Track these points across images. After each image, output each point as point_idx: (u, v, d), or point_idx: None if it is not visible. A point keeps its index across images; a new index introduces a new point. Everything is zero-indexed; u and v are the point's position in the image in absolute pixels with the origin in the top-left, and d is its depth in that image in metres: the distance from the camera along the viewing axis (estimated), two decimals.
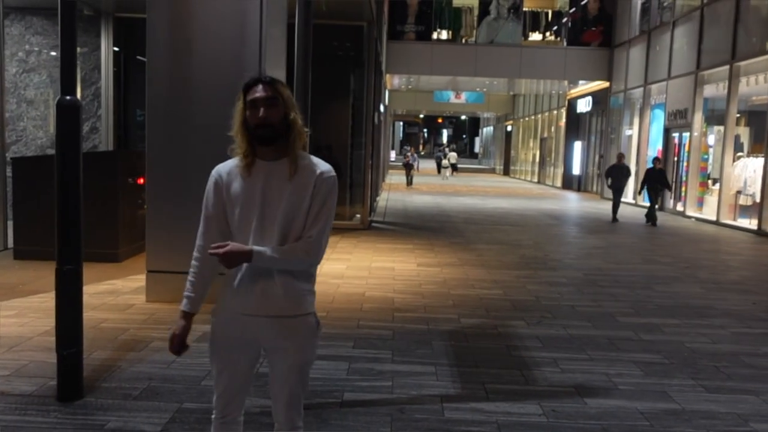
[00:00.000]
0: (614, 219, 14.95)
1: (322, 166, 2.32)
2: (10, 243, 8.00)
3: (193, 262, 2.36)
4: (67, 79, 3.70)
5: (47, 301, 5.66)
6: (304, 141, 2.34)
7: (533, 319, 5.95)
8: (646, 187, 14.70)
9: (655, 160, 15.31)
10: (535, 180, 32.45)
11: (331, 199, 2.29)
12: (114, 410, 3.61)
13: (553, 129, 30.21)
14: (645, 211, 15.18)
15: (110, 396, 3.79)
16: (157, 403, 3.72)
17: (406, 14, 22.95)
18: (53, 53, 10.93)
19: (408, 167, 26.32)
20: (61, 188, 3.68)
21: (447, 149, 37.90)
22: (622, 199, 16.42)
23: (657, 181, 14.56)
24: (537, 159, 32.78)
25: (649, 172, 14.90)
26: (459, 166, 40.60)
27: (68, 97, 3.68)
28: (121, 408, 3.64)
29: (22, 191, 7.78)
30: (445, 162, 33.61)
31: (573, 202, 21.15)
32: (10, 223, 8.12)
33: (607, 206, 19.31)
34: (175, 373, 4.19)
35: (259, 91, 2.25)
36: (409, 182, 25.65)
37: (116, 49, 11.48)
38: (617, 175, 15.15)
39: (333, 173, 2.32)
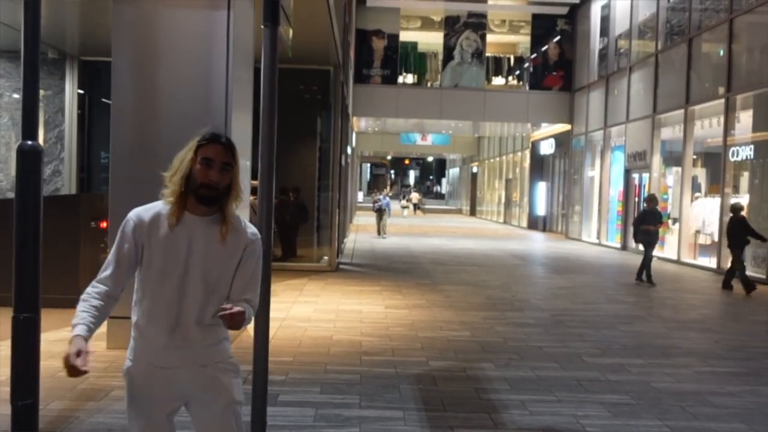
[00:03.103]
0: (649, 279, 11.48)
1: (250, 229, 2.35)
2: None
3: (96, 300, 2.21)
4: (28, 124, 3.65)
5: (3, 349, 5.46)
6: (240, 202, 2.32)
7: (501, 361, 5.95)
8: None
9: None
10: (501, 220, 32.81)
11: (260, 261, 2.35)
12: None
13: (517, 170, 30.72)
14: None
15: None
16: None
17: (372, 58, 23.36)
18: (16, 96, 10.80)
19: (380, 213, 21.01)
20: (20, 235, 3.59)
21: (412, 190, 39.70)
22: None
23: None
24: (502, 200, 33.22)
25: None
26: (426, 207, 41.29)
27: (29, 142, 3.63)
28: None
29: None
30: (404, 202, 36.04)
31: (538, 242, 21.40)
32: None
33: (573, 246, 19.60)
34: None
35: (218, 153, 2.22)
36: (381, 231, 20.85)
37: (81, 91, 11.42)
38: (651, 223, 11.62)
39: (259, 236, 2.36)
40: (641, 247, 11.88)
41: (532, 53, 24.18)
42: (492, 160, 36.21)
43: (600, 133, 20.86)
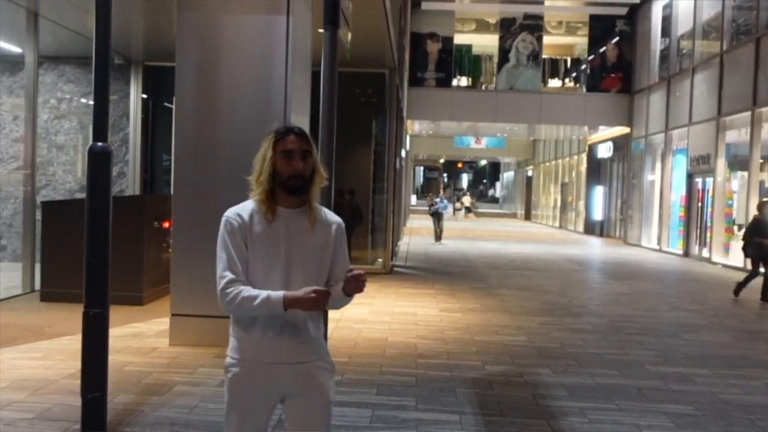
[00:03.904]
0: (764, 296, 10.07)
1: (335, 217, 2.45)
2: (38, 285, 8.09)
3: (246, 287, 2.22)
4: (99, 127, 3.79)
5: (73, 343, 5.68)
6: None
7: (559, 367, 5.84)
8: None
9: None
10: (557, 225, 32.27)
11: (346, 247, 2.46)
12: None
13: (573, 174, 30.17)
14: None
15: None
16: None
17: (426, 61, 23.34)
18: (83, 100, 11.23)
19: (437, 217, 19.76)
20: (91, 232, 3.73)
21: (465, 193, 43.29)
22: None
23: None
24: (558, 204, 32.68)
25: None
26: (480, 210, 41.34)
27: (99, 144, 3.77)
28: None
29: (50, 234, 7.90)
30: (457, 205, 37.34)
31: (596, 248, 20.95)
32: (38, 266, 8.22)
33: (632, 252, 19.10)
34: (198, 418, 4.16)
35: (294, 143, 2.28)
36: (438, 236, 19.69)
37: (144, 96, 11.77)
38: (764, 236, 10.00)
39: (342, 222, 2.46)
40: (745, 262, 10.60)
41: (589, 55, 23.72)
42: (547, 164, 35.67)
43: (661, 136, 20.29)
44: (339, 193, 11.95)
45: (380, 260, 12.45)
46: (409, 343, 6.53)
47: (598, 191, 26.16)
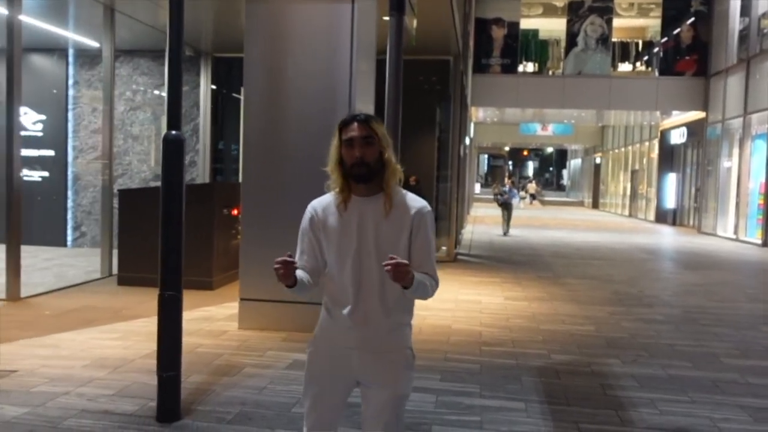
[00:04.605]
0: None
1: (417, 202, 2.36)
2: (115, 270, 8.47)
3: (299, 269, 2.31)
4: (172, 116, 3.92)
5: (149, 325, 5.93)
6: (400, 177, 2.36)
7: (629, 358, 5.70)
8: None
9: None
10: (626, 213, 31.37)
11: (432, 233, 2.36)
12: None
13: (644, 161, 29.22)
14: None
15: (205, 419, 3.90)
16: (249, 428, 3.80)
17: (491, 47, 23.01)
18: (156, 92, 11.62)
19: (506, 207, 18.16)
20: (165, 217, 3.87)
21: (529, 181, 44.71)
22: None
23: None
24: (628, 192, 31.75)
25: None
26: (546, 198, 40.77)
27: (173, 132, 3.90)
28: (216, 431, 3.74)
29: (126, 221, 8.24)
30: (522, 193, 37.36)
31: (668, 237, 20.26)
32: (115, 251, 8.60)
33: (707, 242, 18.37)
34: (267, 399, 4.27)
35: (354, 130, 2.28)
36: (506, 228, 18.07)
37: (214, 87, 12.08)
38: None
39: (428, 208, 2.37)
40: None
41: (662, 37, 22.83)
42: (617, 151, 34.67)
43: (739, 120, 19.38)
44: (405, 178, 11.98)
45: (444, 248, 12.41)
46: (474, 331, 6.51)
47: (671, 178, 25.26)
